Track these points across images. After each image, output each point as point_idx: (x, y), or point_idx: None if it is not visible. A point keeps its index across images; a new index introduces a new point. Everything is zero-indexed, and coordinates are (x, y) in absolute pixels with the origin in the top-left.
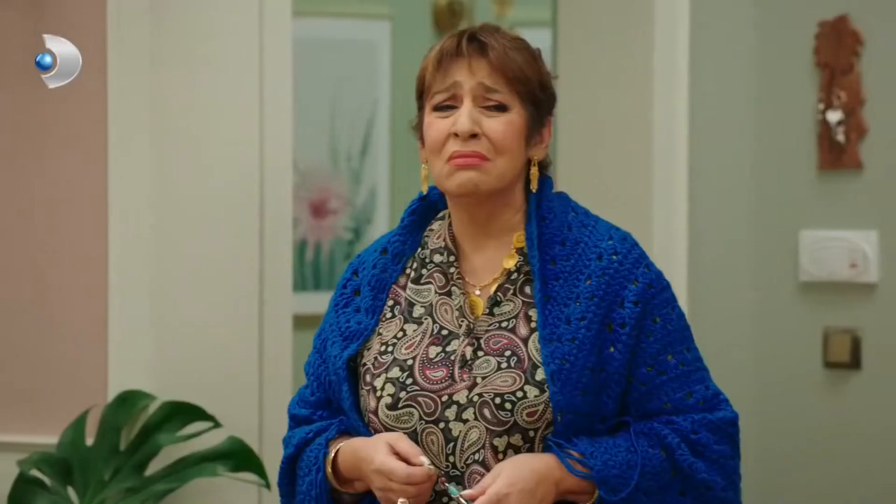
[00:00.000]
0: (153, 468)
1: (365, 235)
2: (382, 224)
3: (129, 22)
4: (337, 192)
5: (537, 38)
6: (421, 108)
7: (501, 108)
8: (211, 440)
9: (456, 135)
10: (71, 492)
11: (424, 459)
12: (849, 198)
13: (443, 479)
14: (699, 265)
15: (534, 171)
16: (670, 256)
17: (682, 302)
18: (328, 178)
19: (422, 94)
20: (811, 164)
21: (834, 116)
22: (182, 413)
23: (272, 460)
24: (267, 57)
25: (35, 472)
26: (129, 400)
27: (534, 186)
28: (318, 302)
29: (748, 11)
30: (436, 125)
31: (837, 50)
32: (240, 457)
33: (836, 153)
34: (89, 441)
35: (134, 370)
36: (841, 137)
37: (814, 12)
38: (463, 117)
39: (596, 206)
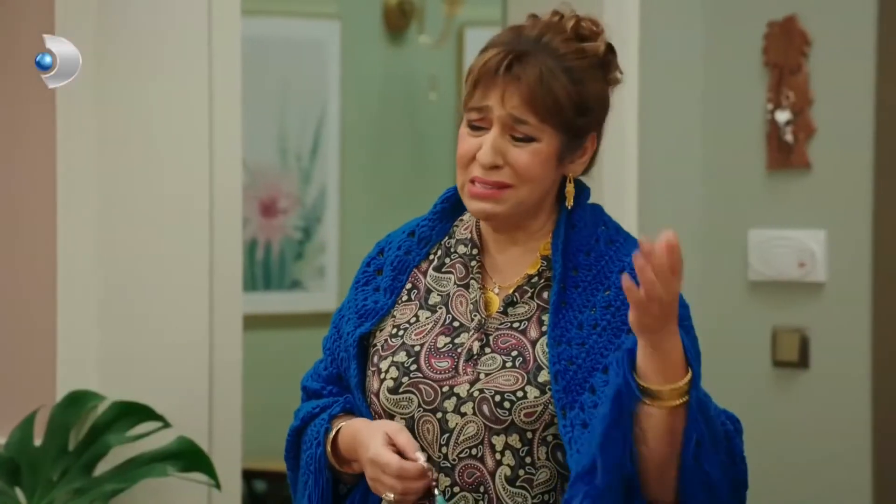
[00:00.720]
0: (102, 468)
1: (315, 235)
2: (332, 223)
3: (76, 20)
4: (287, 191)
5: (487, 38)
6: (464, 101)
7: (529, 139)
8: (160, 440)
9: None
10: (19, 492)
11: (420, 455)
12: (797, 197)
13: (435, 481)
14: None
15: (569, 188)
16: None
17: None
18: (278, 178)
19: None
20: (760, 163)
21: (782, 116)
22: (131, 413)
23: (222, 460)
24: (216, 56)
25: None
26: (79, 400)
27: (569, 203)
28: (269, 301)
29: (697, 11)
30: (466, 141)
31: (786, 50)
32: (189, 457)
33: (785, 153)
34: (37, 441)
35: (83, 370)
36: (789, 137)
37: (763, 12)
38: (486, 147)
39: None
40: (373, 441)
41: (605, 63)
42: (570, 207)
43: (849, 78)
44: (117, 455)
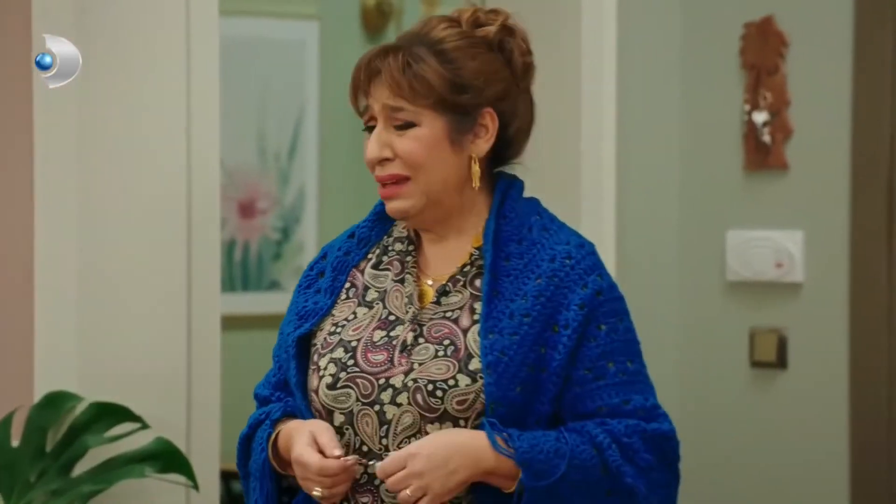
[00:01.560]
0: (80, 469)
1: (293, 235)
2: (311, 224)
3: (54, 20)
4: (265, 191)
5: None
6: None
7: (409, 125)
8: (138, 441)
9: None
10: None
11: (338, 451)
12: (775, 198)
13: (360, 463)
14: (626, 265)
15: (474, 168)
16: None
17: None
18: (256, 178)
19: None
20: (737, 164)
21: (760, 117)
22: (109, 414)
23: (200, 461)
24: (194, 55)
25: None
26: (56, 401)
27: (475, 183)
28: (247, 302)
29: (675, 12)
30: (366, 147)
31: (763, 51)
32: (167, 458)
33: (762, 154)
34: (15, 442)
35: (60, 371)
36: (767, 138)
37: (740, 13)
38: (371, 143)
39: None
40: (297, 442)
41: (500, 43)
42: (476, 187)
43: (826, 79)
44: (95, 456)
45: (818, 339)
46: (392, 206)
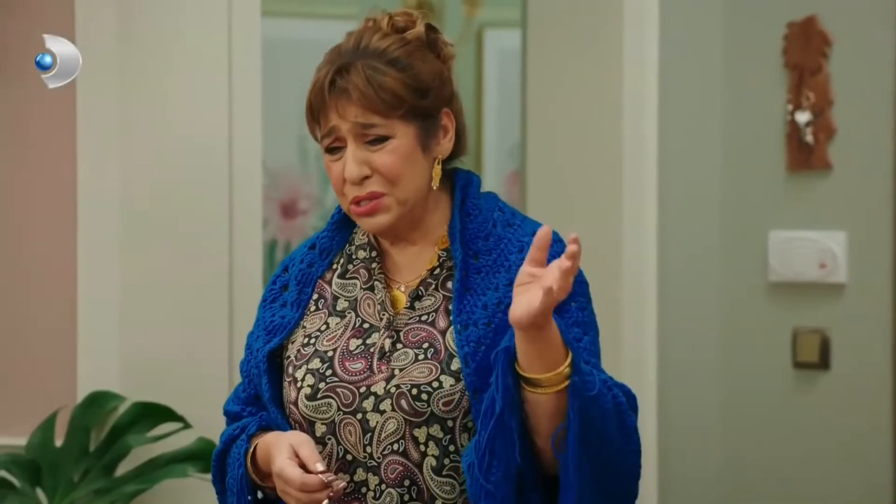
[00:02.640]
0: (122, 469)
1: None
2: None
3: (97, 22)
4: (306, 192)
5: (507, 39)
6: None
7: (383, 139)
8: (180, 441)
9: None
10: (40, 493)
11: (320, 467)
12: (818, 198)
13: (331, 491)
14: (668, 266)
15: (436, 169)
16: (640, 258)
17: (652, 303)
18: (298, 179)
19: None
20: (780, 164)
21: (803, 117)
22: (152, 414)
23: None
24: (236, 57)
25: (4, 474)
26: (99, 401)
27: (435, 184)
28: None
29: (717, 12)
30: (332, 169)
31: (806, 51)
32: (209, 458)
33: (805, 154)
34: (58, 442)
35: (103, 371)
36: (810, 138)
37: (782, 13)
38: (349, 164)
39: (565, 207)
40: (278, 454)
41: (431, 42)
42: (435, 187)
43: (869, 78)
44: (137, 456)
45: (861, 340)
46: (372, 223)
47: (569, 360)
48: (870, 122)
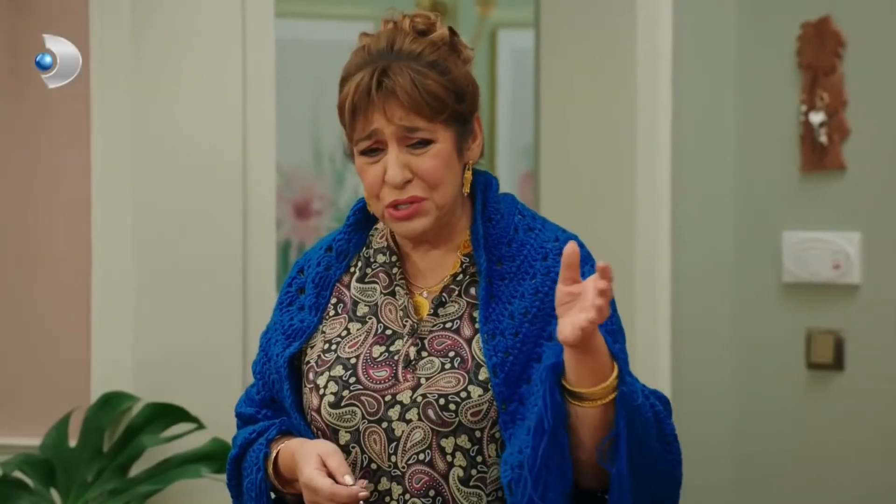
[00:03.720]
0: (136, 470)
1: None
2: None
3: (111, 24)
4: (320, 192)
5: (521, 39)
6: (349, 137)
7: (426, 143)
8: (194, 442)
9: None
10: (54, 493)
11: (349, 479)
12: (832, 199)
13: (361, 496)
14: (682, 266)
15: (468, 175)
16: (653, 258)
17: (666, 304)
18: (311, 179)
19: (344, 125)
20: (794, 165)
21: (816, 118)
22: (165, 414)
23: None
24: (250, 58)
25: (18, 474)
26: (113, 401)
27: (466, 189)
28: None
29: (731, 12)
30: (368, 172)
31: (820, 51)
32: (223, 458)
33: (819, 154)
34: (72, 442)
35: (117, 371)
36: (824, 139)
37: (796, 13)
38: (392, 168)
39: (578, 208)
40: (306, 464)
41: (455, 45)
42: (466, 193)
43: (883, 79)
44: (151, 456)
45: (875, 341)
46: (410, 227)
47: (615, 372)
48: (884, 123)
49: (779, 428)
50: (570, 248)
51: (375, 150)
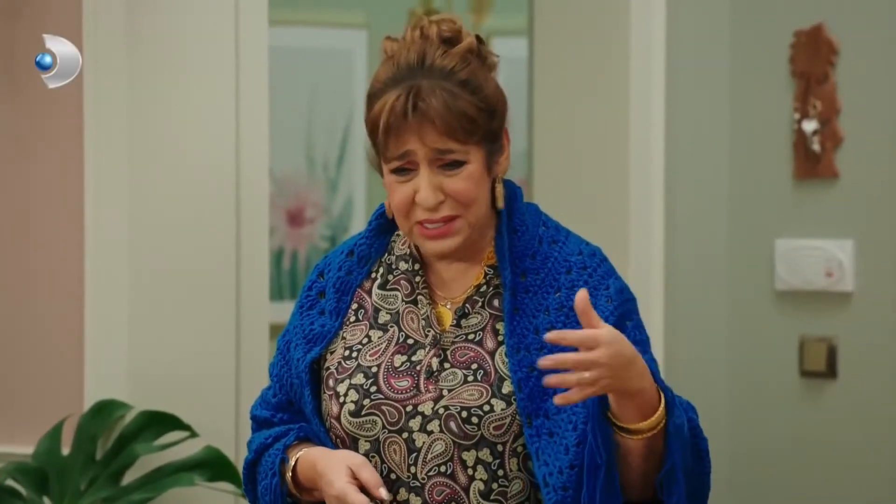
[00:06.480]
0: (129, 478)
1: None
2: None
3: (105, 30)
4: (313, 200)
5: (514, 47)
6: (378, 152)
7: (458, 164)
8: (187, 449)
9: None
10: (47, 501)
11: (384, 492)
12: (825, 207)
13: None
14: (675, 274)
15: (499, 188)
16: (647, 266)
17: (659, 311)
18: (305, 187)
19: (375, 140)
20: (787, 173)
21: (809, 126)
22: (158, 422)
23: None
24: (243, 65)
25: (10, 482)
26: (106, 409)
27: (500, 204)
28: None
29: (724, 20)
30: (398, 190)
31: (813, 59)
32: (216, 466)
33: (812, 162)
34: (65, 450)
35: (110, 379)
36: (817, 146)
37: (789, 21)
38: (424, 191)
39: (572, 215)
40: (337, 477)
41: (482, 55)
42: (500, 208)
43: (876, 87)
44: (144, 464)
45: (868, 349)
46: (441, 246)
47: (663, 404)
48: (877, 131)
49: (772, 436)
50: (578, 298)
51: (406, 170)
